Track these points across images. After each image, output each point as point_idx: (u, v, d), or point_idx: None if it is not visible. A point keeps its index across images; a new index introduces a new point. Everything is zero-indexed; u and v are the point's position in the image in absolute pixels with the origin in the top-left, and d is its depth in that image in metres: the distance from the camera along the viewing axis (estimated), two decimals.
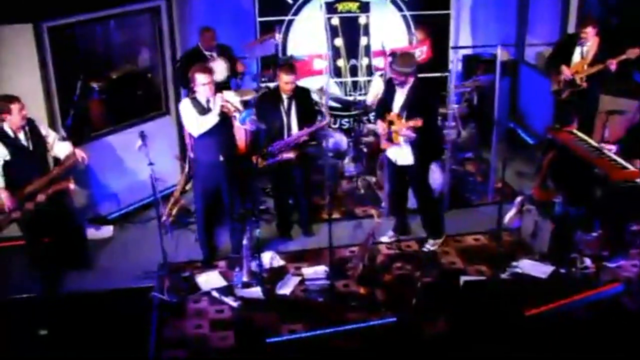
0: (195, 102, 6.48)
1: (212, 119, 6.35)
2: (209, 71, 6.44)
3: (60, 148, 6.64)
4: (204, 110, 6.42)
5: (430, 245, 7.25)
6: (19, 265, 6.93)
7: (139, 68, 8.68)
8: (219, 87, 7.81)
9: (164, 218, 7.62)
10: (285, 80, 6.90)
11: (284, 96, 7.00)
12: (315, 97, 8.16)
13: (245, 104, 7.79)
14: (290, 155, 7.01)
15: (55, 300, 6.59)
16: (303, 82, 9.19)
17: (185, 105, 6.50)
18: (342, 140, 8.94)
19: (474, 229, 7.58)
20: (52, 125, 7.18)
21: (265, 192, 8.10)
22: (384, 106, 6.95)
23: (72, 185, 6.56)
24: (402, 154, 6.90)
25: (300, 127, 7.06)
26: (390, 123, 6.77)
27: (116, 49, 8.51)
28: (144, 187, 7.83)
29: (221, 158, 6.58)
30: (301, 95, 7.13)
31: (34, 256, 6.77)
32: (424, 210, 7.27)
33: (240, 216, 6.53)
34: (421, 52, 9.42)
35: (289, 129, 7.06)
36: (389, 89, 6.92)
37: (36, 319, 6.22)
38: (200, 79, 6.34)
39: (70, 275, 6.92)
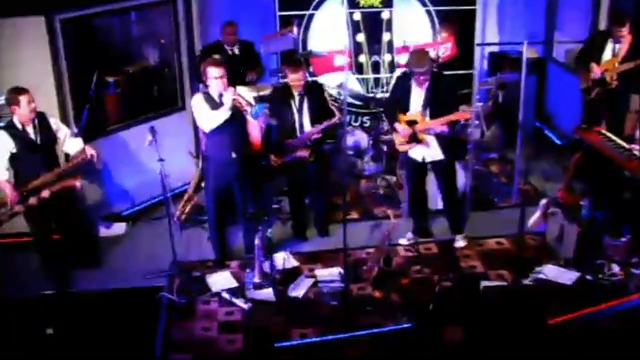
0: (208, 97, 6.28)
1: (223, 114, 6.14)
2: (222, 65, 6.23)
3: (70, 144, 6.48)
4: (216, 105, 6.22)
5: (461, 242, 7.07)
6: (33, 262, 6.78)
7: (156, 63, 8.48)
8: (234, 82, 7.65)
9: (177, 215, 7.46)
10: (291, 79, 6.70)
11: (295, 93, 6.77)
12: (333, 92, 7.94)
13: (262, 99, 7.59)
14: (305, 153, 6.79)
15: (65, 299, 6.42)
16: (324, 79, 9.10)
17: (198, 100, 6.31)
18: (363, 138, 8.70)
19: (497, 232, 7.28)
20: (65, 120, 7.03)
21: (282, 191, 7.88)
22: (396, 107, 6.71)
23: (78, 184, 6.39)
24: (429, 151, 6.70)
25: (314, 125, 6.83)
26: (411, 123, 6.49)
27: (133, 43, 8.31)
28: (159, 184, 7.75)
29: (233, 155, 6.38)
30: (314, 92, 6.89)
31: (44, 253, 6.62)
32: (452, 207, 7.09)
33: (252, 216, 6.31)
34: (446, 49, 9.07)
35: (302, 126, 6.84)
36: (403, 88, 6.68)
37: (45, 317, 6.06)
38: (213, 72, 6.14)
39: (81, 274, 6.75)
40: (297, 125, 6.82)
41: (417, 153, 6.77)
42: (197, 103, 6.29)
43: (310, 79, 7.21)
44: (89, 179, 7.45)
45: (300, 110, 6.80)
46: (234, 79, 7.73)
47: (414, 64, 6.40)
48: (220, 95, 6.20)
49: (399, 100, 6.69)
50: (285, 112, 6.79)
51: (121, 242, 7.44)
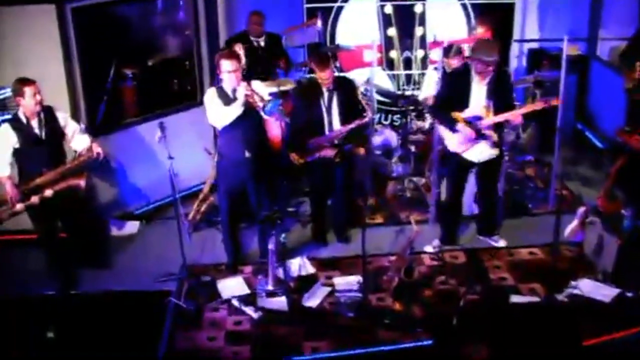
0: (221, 92, 5.91)
1: (235, 110, 5.76)
2: (236, 57, 5.86)
3: (78, 141, 6.17)
4: (229, 100, 5.84)
5: (501, 241, 6.75)
6: (36, 260, 6.47)
7: (177, 55, 8.14)
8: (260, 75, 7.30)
9: (191, 215, 7.12)
10: (319, 77, 6.32)
11: (324, 88, 6.36)
12: (361, 89, 7.53)
13: (284, 94, 7.21)
14: (330, 152, 6.39)
15: (67, 300, 6.13)
16: (352, 74, 8.70)
17: (210, 94, 5.93)
18: (392, 137, 8.25)
19: (530, 241, 6.79)
20: (76, 114, 6.75)
21: (302, 192, 7.49)
22: (450, 104, 6.20)
23: (83, 183, 6.05)
24: (487, 149, 6.29)
25: (343, 123, 6.41)
26: (466, 122, 6.10)
27: (152, 34, 7.99)
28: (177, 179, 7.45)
29: (247, 154, 5.99)
30: (344, 88, 6.49)
31: (48, 251, 6.32)
32: (491, 209, 6.75)
33: (265, 219, 5.91)
34: None
35: (330, 124, 6.43)
36: (460, 83, 6.21)
37: (46, 319, 5.77)
38: (226, 65, 5.76)
39: (87, 274, 6.45)
40: (325, 122, 6.41)
41: (474, 153, 6.31)
42: (209, 98, 5.92)
43: (339, 74, 6.77)
44: (101, 177, 7.18)
45: (328, 107, 6.39)
46: (260, 72, 7.43)
47: (484, 53, 5.95)
48: (234, 90, 5.81)
49: (454, 97, 6.21)
50: (313, 108, 6.40)
51: (132, 241, 7.13)
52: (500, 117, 6.07)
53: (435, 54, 8.22)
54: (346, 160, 6.64)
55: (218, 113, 5.83)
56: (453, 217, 6.77)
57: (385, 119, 9.26)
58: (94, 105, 7.06)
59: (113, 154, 7.21)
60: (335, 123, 6.42)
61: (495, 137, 6.17)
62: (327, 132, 6.42)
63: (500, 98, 6.08)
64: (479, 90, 6.10)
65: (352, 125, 6.37)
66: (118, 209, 7.45)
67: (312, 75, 7.62)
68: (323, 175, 6.62)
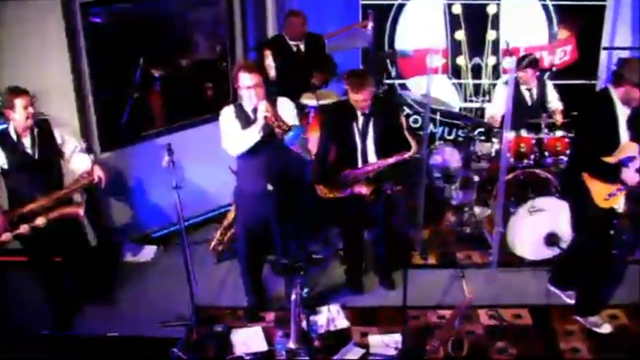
0: (240, 111, 4.94)
1: (252, 135, 4.77)
2: (257, 69, 4.83)
3: (77, 161, 5.34)
4: (249, 122, 4.85)
5: (607, 325, 5.32)
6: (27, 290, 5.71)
7: (212, 55, 7.19)
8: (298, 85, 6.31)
9: (212, 245, 6.21)
10: (353, 98, 5.21)
11: (359, 112, 5.30)
12: (416, 97, 6.43)
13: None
14: (363, 190, 5.32)
15: (61, 343, 5.30)
16: (411, 82, 7.65)
17: (226, 114, 4.96)
18: (453, 157, 7.16)
19: (614, 300, 5.58)
20: (83, 127, 5.94)
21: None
22: (601, 150, 4.86)
23: (81, 211, 5.18)
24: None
25: (379, 155, 5.34)
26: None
27: (183, 30, 7.08)
28: (201, 200, 6.69)
29: (269, 187, 4.99)
30: (385, 113, 5.41)
31: (41, 283, 5.50)
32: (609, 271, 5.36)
33: (283, 268, 4.90)
34: (564, 53, 7.81)
35: (364, 155, 5.36)
36: (605, 114, 4.85)
37: None
38: (244, 79, 4.76)
39: (89, 311, 5.62)
40: (359, 152, 5.35)
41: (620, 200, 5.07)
42: (225, 118, 4.95)
43: (382, 92, 5.66)
44: (117, 195, 6.34)
45: (363, 135, 5.32)
46: (297, 82, 6.44)
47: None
48: (255, 110, 4.82)
49: (601, 134, 4.86)
50: (343, 134, 5.33)
51: (145, 270, 6.26)
52: None
53: (509, 63, 7.06)
54: (385, 199, 5.53)
55: (233, 137, 4.85)
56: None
57: (449, 134, 8.14)
58: (107, 117, 6.17)
59: (131, 168, 6.39)
60: (370, 154, 5.36)
61: None
62: (360, 164, 5.36)
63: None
64: (623, 120, 4.84)
65: (391, 161, 5.30)
66: (135, 232, 6.59)
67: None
68: (357, 207, 5.52)
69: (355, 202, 5.43)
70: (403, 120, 5.49)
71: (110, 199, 6.38)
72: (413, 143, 5.24)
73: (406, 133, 5.29)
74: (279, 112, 4.83)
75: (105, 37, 6.07)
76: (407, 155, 5.28)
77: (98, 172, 5.23)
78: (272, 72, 6.27)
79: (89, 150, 5.48)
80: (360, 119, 5.30)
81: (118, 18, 6.22)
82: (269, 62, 6.42)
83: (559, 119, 6.64)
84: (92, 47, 5.87)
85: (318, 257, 6.12)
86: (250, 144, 4.78)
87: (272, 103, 4.86)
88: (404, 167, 5.42)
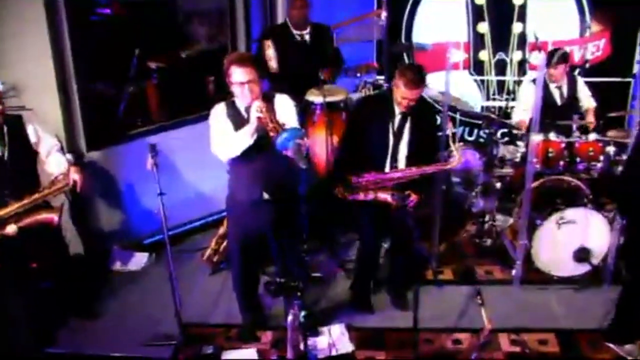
0: (232, 110, 4.37)
1: (244, 138, 4.20)
2: (251, 64, 4.24)
3: (53, 162, 4.80)
4: (242, 122, 4.29)
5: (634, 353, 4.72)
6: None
7: (213, 47, 6.66)
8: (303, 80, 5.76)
9: (207, 254, 5.68)
10: (403, 95, 4.63)
11: (397, 110, 4.73)
12: (434, 94, 5.88)
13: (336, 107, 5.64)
14: (389, 199, 4.75)
15: None
16: (429, 78, 7.02)
17: (217, 112, 4.40)
18: (474, 160, 6.56)
19: None
20: (70, 125, 5.43)
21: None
22: None
23: (56, 218, 4.64)
24: None
25: (409, 161, 4.79)
26: None
27: (182, 21, 6.58)
28: (200, 203, 6.23)
29: (265, 196, 4.43)
30: (424, 115, 4.87)
31: (15, 294, 4.96)
32: None
33: (277, 289, 4.31)
34: (596, 48, 7.23)
35: (394, 158, 4.81)
36: None
37: None
38: (237, 74, 4.19)
39: (68, 326, 5.11)
40: (389, 155, 4.81)
41: None
42: (215, 117, 4.39)
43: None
44: (105, 200, 5.85)
45: (398, 136, 4.78)
46: (301, 77, 5.89)
47: None
48: (249, 109, 4.25)
49: None
50: (376, 133, 4.78)
51: (135, 280, 5.73)
52: None
53: (537, 58, 6.46)
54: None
55: (223, 140, 4.29)
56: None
57: (470, 135, 7.55)
58: (95, 112, 5.64)
59: (122, 169, 5.89)
60: (401, 158, 4.81)
61: None
62: (387, 167, 4.78)
63: None
64: None
65: (430, 170, 4.76)
66: (124, 238, 6.07)
67: (379, 89, 6.07)
68: (380, 214, 4.94)
69: (378, 209, 4.85)
70: (449, 124, 4.88)
71: (98, 202, 5.87)
72: (456, 153, 4.67)
73: (450, 140, 4.72)
74: (276, 111, 4.27)
75: (93, 25, 5.58)
76: (447, 167, 4.78)
77: (74, 175, 4.68)
78: (273, 64, 5.70)
79: (64, 150, 4.93)
80: (397, 118, 4.75)
81: (109, 4, 5.72)
82: (270, 52, 5.85)
83: (591, 119, 6.06)
84: (78, 36, 5.32)
85: (318, 276, 5.51)
86: (242, 148, 4.20)
87: (269, 101, 4.29)
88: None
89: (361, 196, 4.80)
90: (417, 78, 4.61)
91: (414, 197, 4.73)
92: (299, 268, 4.55)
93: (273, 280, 4.55)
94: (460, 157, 4.76)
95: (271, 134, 3.97)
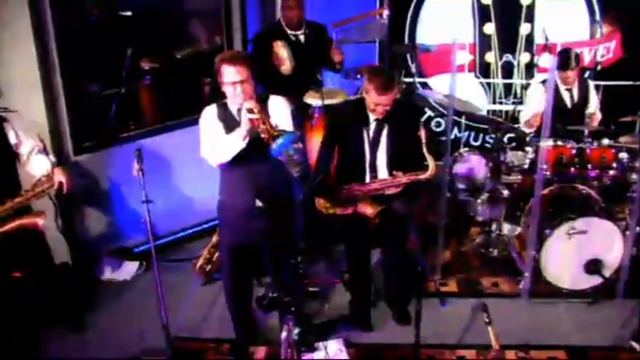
0: (224, 112, 4.12)
1: (235, 142, 3.94)
2: (244, 62, 3.98)
3: (35, 164, 4.55)
4: (233, 124, 4.03)
5: None
6: None
7: (209, 47, 6.40)
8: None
9: (198, 264, 5.43)
10: (374, 100, 4.34)
11: (372, 117, 4.46)
12: (439, 98, 5.63)
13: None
14: (368, 210, 4.47)
15: None
16: (433, 81, 6.80)
17: (207, 114, 4.15)
18: (480, 166, 6.31)
19: None
20: (56, 126, 5.21)
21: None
22: None
23: (41, 222, 4.39)
24: None
25: (391, 169, 4.48)
26: None
27: (177, 20, 6.30)
28: (195, 208, 6.07)
29: (258, 203, 4.17)
30: (401, 121, 4.53)
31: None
32: None
33: (268, 303, 4.05)
34: (607, 50, 6.97)
35: (373, 168, 4.51)
36: None
37: None
38: (228, 74, 3.94)
39: (54, 339, 4.87)
40: (367, 164, 4.51)
41: None
42: (205, 120, 4.14)
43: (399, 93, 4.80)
44: (94, 205, 5.63)
45: (374, 144, 4.48)
46: (299, 78, 5.65)
47: None
48: (241, 110, 3.98)
49: None
50: (350, 141, 4.50)
51: (124, 291, 5.49)
52: None
53: (546, 60, 6.22)
54: (393, 221, 4.63)
55: (213, 144, 4.03)
56: None
57: (475, 139, 7.30)
58: (84, 114, 5.40)
59: (112, 173, 5.67)
60: (381, 167, 4.51)
61: None
62: (367, 178, 4.50)
63: None
64: None
65: (403, 181, 4.44)
66: (114, 245, 5.82)
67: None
68: (362, 226, 4.62)
69: (360, 221, 4.57)
70: (422, 131, 4.56)
71: (87, 208, 5.63)
72: (431, 163, 4.36)
73: (424, 149, 4.41)
74: (270, 113, 4.01)
75: (82, 24, 5.32)
76: (422, 177, 4.42)
77: (59, 176, 4.45)
78: (288, 65, 5.46)
79: (47, 151, 4.67)
80: (372, 125, 4.47)
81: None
82: (284, 53, 5.60)
83: (594, 125, 5.79)
84: (65, 35, 5.09)
85: (315, 290, 5.23)
86: (233, 152, 3.94)
87: (263, 102, 4.04)
88: (417, 185, 4.55)
89: (343, 210, 4.53)
90: (387, 81, 4.32)
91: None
92: (293, 281, 4.28)
93: (266, 294, 4.33)
94: (434, 167, 4.44)
95: (263, 136, 3.70)
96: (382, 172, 4.52)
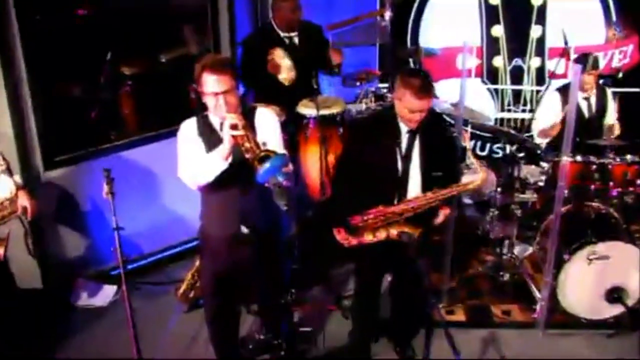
0: (205, 126, 3.63)
1: (216, 162, 3.45)
2: (227, 71, 3.49)
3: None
4: (215, 141, 3.54)
5: None
6: None
7: (196, 51, 5.95)
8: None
9: (181, 289, 4.96)
10: (411, 107, 3.77)
11: (404, 129, 3.94)
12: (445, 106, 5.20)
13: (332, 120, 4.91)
14: (408, 233, 3.88)
15: None
16: (437, 87, 6.36)
17: (187, 129, 3.67)
18: (489, 179, 5.81)
19: None
20: (23, 140, 4.75)
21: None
22: None
23: (1, 252, 3.95)
24: None
25: (425, 187, 3.95)
26: None
27: (161, 22, 5.85)
28: (176, 228, 5.59)
29: (244, 229, 3.68)
30: (431, 129, 3.97)
31: None
32: None
33: (256, 348, 3.56)
34: (623, 54, 6.65)
35: (404, 187, 3.97)
36: None
37: None
38: (210, 83, 3.45)
39: None
40: (398, 182, 3.97)
41: None
42: (184, 135, 3.66)
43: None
44: (67, 226, 5.19)
45: (406, 159, 3.93)
46: (293, 85, 5.20)
47: None
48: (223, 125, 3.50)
49: None
50: (380, 157, 3.94)
51: (99, 318, 5.01)
52: None
53: (561, 66, 5.81)
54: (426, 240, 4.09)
55: (191, 164, 3.54)
56: None
57: (482, 149, 6.85)
58: (55, 125, 4.94)
59: (89, 188, 5.17)
60: (412, 185, 3.96)
61: None
62: (396, 199, 3.95)
63: None
64: None
65: (450, 194, 3.92)
66: (90, 268, 5.36)
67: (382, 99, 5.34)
68: (384, 246, 4.08)
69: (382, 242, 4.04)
70: (466, 134, 4.00)
71: (61, 227, 5.17)
72: (479, 168, 3.89)
73: (469, 154, 4.05)
74: (257, 128, 3.54)
75: (53, 26, 4.86)
76: (471, 186, 3.95)
77: (23, 201, 4.00)
78: (291, 75, 5.03)
79: (11, 171, 4.21)
80: (405, 138, 3.93)
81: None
82: (285, 62, 5.17)
83: (614, 138, 5.33)
84: (32, 38, 4.63)
85: (306, 330, 4.70)
86: (215, 173, 3.45)
87: (250, 114, 3.56)
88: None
89: (369, 238, 4.01)
90: (426, 83, 3.79)
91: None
92: (283, 324, 3.80)
93: (252, 335, 3.85)
94: (485, 173, 3.98)
95: (248, 156, 3.22)
96: (414, 190, 3.98)
